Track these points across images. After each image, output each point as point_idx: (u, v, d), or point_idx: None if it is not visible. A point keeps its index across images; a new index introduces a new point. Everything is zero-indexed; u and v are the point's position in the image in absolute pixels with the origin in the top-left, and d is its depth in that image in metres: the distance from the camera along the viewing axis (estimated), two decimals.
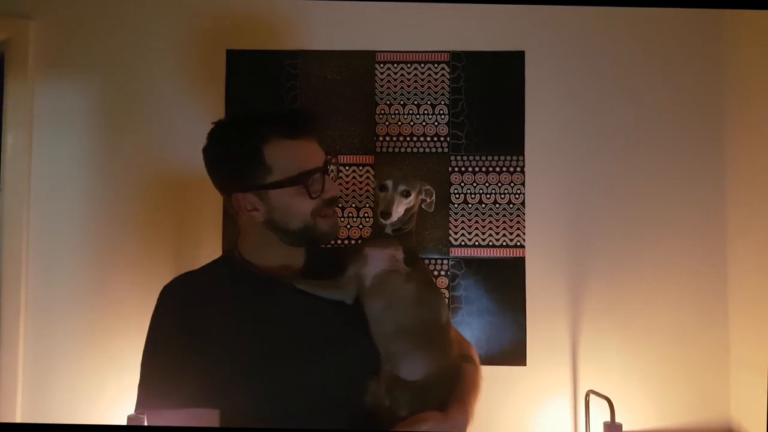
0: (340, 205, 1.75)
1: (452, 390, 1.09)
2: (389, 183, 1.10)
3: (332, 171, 1.24)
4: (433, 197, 1.18)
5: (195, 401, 1.01)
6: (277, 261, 1.15)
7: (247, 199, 1.11)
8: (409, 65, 1.79)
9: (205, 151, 1.15)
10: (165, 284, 1.12)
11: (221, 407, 1.02)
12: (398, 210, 1.10)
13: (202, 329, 1.04)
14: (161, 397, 1.02)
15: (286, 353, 1.05)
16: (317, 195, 1.10)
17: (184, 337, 1.04)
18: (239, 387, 1.02)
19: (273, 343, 1.06)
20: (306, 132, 1.13)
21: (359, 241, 1.73)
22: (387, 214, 1.08)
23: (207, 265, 1.20)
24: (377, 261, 1.10)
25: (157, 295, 1.10)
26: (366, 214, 1.77)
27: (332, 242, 1.26)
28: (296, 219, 1.11)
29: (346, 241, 1.75)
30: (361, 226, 1.76)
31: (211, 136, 1.14)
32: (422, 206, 1.17)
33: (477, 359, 1.21)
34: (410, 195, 1.11)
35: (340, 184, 1.76)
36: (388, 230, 1.12)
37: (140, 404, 1.03)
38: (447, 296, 1.74)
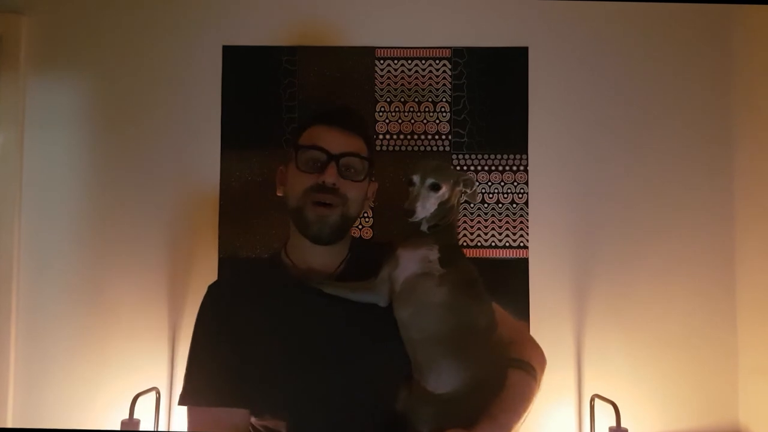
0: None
1: (486, 404, 0.99)
2: (416, 177, 1.02)
3: (370, 177, 1.18)
4: (476, 187, 1.07)
5: (228, 400, 1.05)
6: (314, 261, 1.15)
7: (281, 173, 1.18)
8: (409, 61, 1.75)
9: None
10: (211, 282, 1.18)
11: (251, 408, 1.05)
12: (426, 206, 1.00)
13: (238, 330, 1.08)
14: (198, 393, 1.07)
15: (316, 356, 1.06)
16: (305, 170, 1.09)
17: (221, 336, 1.09)
18: (269, 388, 1.04)
19: (303, 345, 1.07)
20: (345, 124, 1.13)
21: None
22: (410, 212, 1.00)
23: (255, 263, 1.26)
24: (408, 263, 1.02)
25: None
26: (365, 214, 1.73)
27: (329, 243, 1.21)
28: (294, 196, 1.11)
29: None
30: (360, 227, 1.72)
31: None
32: (465, 198, 1.07)
33: (536, 365, 1.09)
34: (441, 188, 1.01)
35: None
36: (424, 227, 1.03)
37: (182, 398, 1.08)
38: None
